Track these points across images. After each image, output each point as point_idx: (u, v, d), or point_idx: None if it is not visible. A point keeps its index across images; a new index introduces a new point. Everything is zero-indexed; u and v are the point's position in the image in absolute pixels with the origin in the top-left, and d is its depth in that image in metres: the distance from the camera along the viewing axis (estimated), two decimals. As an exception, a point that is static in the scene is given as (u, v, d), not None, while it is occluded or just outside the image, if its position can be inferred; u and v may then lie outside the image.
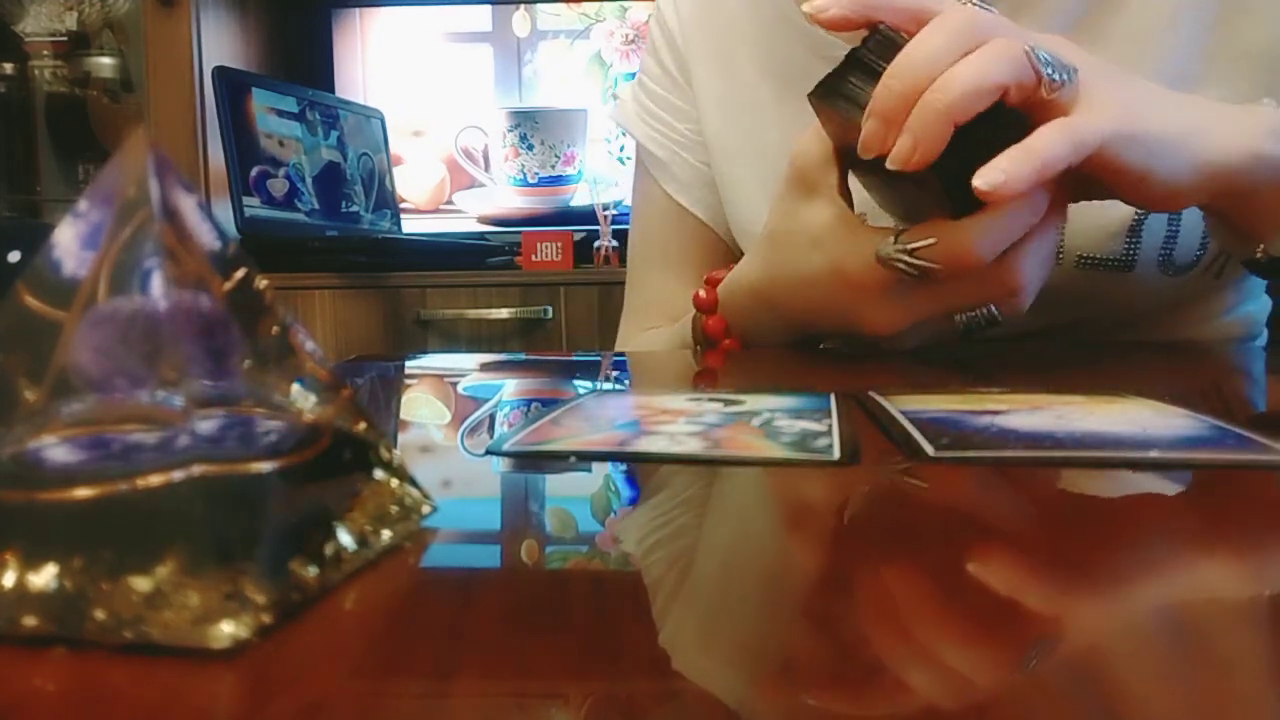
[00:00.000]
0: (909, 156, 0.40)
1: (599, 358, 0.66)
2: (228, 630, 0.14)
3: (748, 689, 0.13)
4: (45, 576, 0.15)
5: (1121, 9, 0.56)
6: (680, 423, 0.28)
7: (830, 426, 0.28)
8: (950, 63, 0.39)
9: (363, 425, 0.20)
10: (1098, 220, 0.55)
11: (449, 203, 1.69)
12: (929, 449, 0.25)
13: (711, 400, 0.32)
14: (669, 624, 0.16)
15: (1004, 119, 0.40)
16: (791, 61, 0.65)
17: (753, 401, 0.32)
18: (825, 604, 0.16)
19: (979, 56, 0.39)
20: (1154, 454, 0.24)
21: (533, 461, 0.27)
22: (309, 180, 1.49)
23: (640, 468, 0.25)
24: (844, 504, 0.23)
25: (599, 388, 0.45)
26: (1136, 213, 0.54)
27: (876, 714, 0.12)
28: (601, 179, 1.66)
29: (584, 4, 1.68)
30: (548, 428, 0.29)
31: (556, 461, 0.27)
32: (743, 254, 0.71)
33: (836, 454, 0.25)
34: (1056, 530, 0.21)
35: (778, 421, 0.28)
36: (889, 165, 0.40)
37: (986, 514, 0.22)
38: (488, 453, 0.27)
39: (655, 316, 0.71)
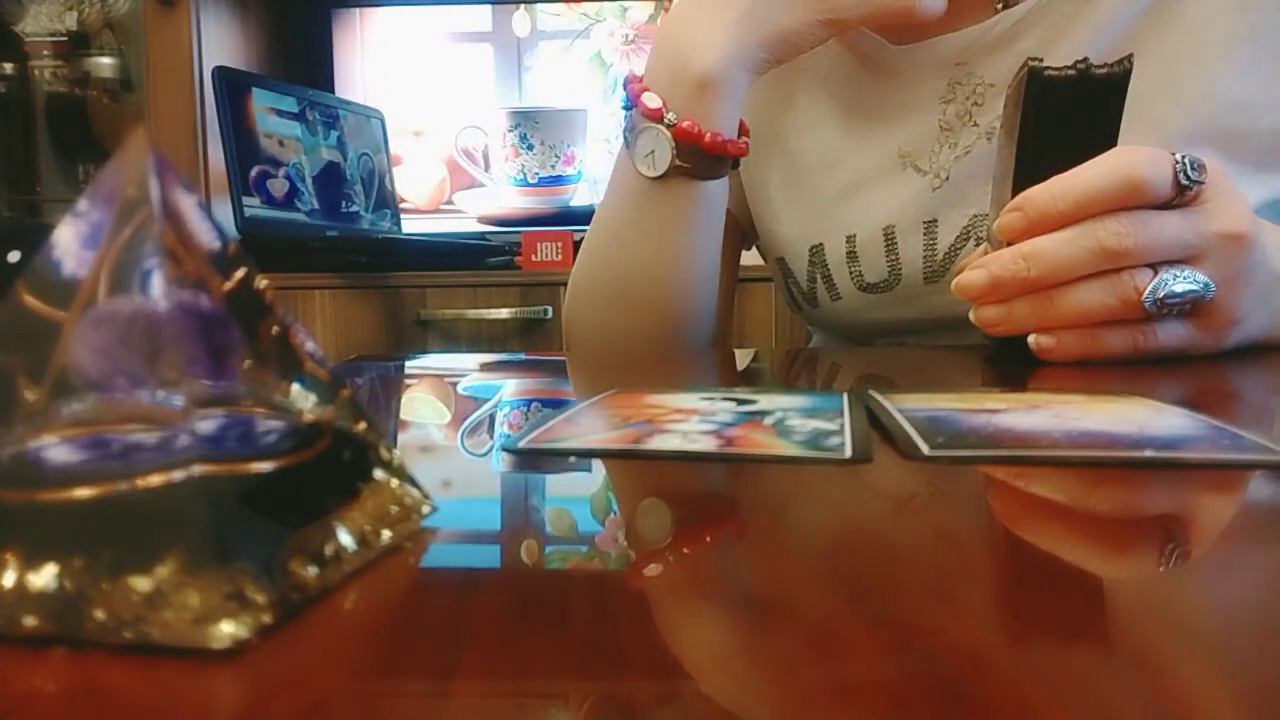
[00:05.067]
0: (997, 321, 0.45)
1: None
2: (228, 630, 0.14)
3: (750, 689, 0.13)
4: (45, 576, 0.15)
5: (1175, 24, 0.55)
6: (693, 421, 0.28)
7: (842, 426, 0.28)
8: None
9: (363, 425, 0.20)
10: None
11: (449, 203, 1.69)
12: (924, 448, 0.25)
13: (725, 399, 0.32)
14: (672, 624, 0.16)
15: (1094, 130, 0.44)
16: (826, 60, 0.65)
17: (766, 401, 0.32)
18: (827, 603, 0.16)
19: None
20: (1149, 453, 0.24)
21: (541, 460, 0.27)
22: (309, 180, 1.49)
23: (651, 465, 0.25)
24: (846, 502, 0.23)
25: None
26: None
27: (877, 713, 0.12)
28: (601, 179, 1.66)
29: (584, 4, 1.68)
30: (562, 425, 0.29)
31: (567, 459, 0.27)
32: (758, 237, 0.72)
33: (848, 453, 0.25)
34: (1047, 531, 0.21)
35: (790, 420, 0.29)
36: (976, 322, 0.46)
37: (979, 514, 0.22)
38: (503, 450, 0.27)
39: None
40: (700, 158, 0.57)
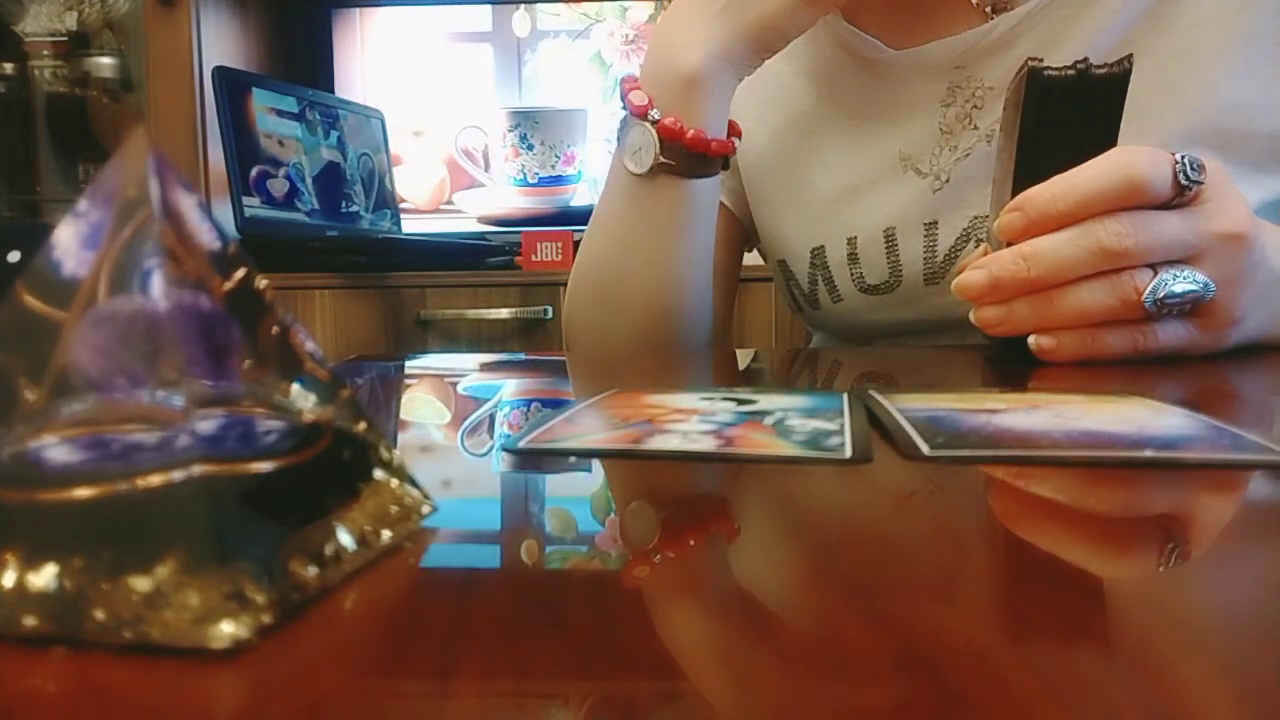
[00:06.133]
0: (998, 322, 0.45)
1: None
2: (228, 630, 0.14)
3: (749, 689, 0.13)
4: (45, 576, 0.15)
5: (1172, 27, 0.55)
6: (693, 421, 0.28)
7: (842, 426, 0.28)
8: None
9: (363, 425, 0.20)
10: None
11: (449, 203, 1.69)
12: (924, 448, 0.25)
13: (725, 399, 0.32)
14: (672, 624, 0.16)
15: (1093, 131, 0.44)
16: (827, 63, 0.65)
17: (766, 401, 0.32)
18: (827, 603, 0.16)
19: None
20: (1148, 453, 0.24)
21: (541, 460, 0.27)
22: (309, 180, 1.49)
23: (651, 465, 0.25)
24: (846, 501, 0.23)
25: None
26: None
27: (877, 713, 0.12)
28: (601, 179, 1.66)
29: (584, 4, 1.68)
30: (562, 425, 0.29)
31: (567, 459, 0.27)
32: (759, 238, 0.72)
33: (848, 453, 0.25)
34: (1047, 531, 0.21)
35: (790, 420, 0.29)
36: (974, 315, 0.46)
37: (979, 514, 0.22)
38: (503, 450, 0.27)
39: None
40: (684, 155, 0.57)
